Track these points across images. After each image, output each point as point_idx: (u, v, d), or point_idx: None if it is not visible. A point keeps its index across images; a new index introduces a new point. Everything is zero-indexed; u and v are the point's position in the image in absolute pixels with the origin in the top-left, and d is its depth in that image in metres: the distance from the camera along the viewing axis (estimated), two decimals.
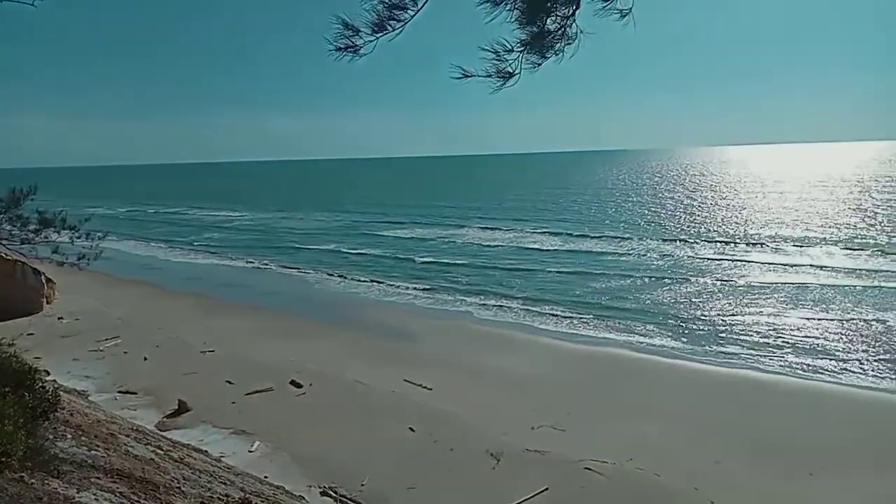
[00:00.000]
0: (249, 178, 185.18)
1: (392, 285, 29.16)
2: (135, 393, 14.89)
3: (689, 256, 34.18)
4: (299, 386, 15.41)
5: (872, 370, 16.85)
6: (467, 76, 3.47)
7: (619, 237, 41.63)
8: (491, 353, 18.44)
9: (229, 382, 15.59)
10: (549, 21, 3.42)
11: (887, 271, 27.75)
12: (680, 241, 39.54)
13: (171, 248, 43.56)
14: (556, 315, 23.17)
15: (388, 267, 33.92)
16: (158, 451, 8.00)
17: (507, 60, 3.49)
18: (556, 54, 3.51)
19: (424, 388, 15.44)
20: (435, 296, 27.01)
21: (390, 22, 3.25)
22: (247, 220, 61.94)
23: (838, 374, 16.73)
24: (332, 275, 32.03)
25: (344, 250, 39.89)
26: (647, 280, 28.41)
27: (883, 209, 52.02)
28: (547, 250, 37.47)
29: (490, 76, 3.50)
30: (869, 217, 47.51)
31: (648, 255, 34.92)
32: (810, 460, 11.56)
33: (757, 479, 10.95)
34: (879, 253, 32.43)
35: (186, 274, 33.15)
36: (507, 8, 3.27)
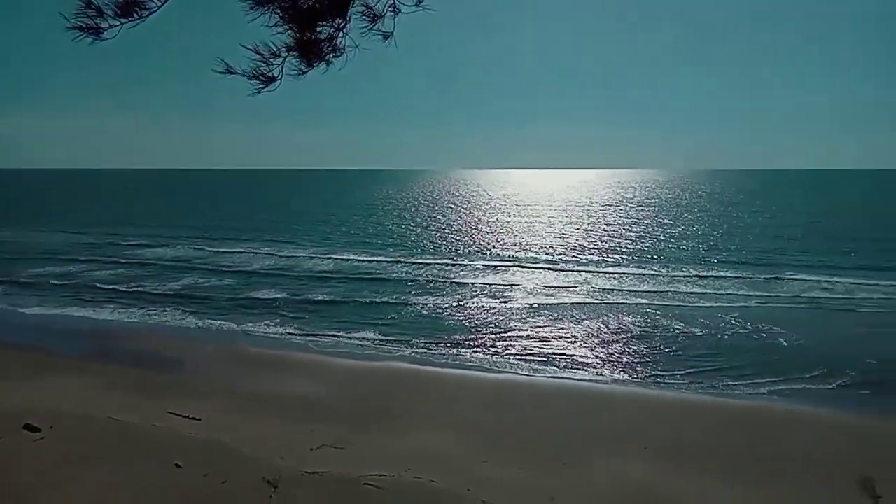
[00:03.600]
0: None
1: (150, 309, 26.41)
2: None
3: (456, 272, 36.14)
4: (36, 430, 13.17)
5: (613, 368, 19.53)
6: (230, 73, 3.25)
7: (388, 254, 42.54)
8: (266, 375, 17.70)
9: None
10: (318, 30, 3.37)
11: (619, 290, 32.24)
12: (448, 257, 41.61)
13: None
14: (333, 332, 23.05)
15: (143, 290, 30.63)
16: None
17: (271, 64, 3.35)
18: (327, 64, 3.47)
19: (193, 419, 14.23)
20: (201, 319, 25.01)
21: (136, 9, 2.90)
22: None
23: (585, 373, 19.05)
24: (76, 299, 28.14)
25: (89, 271, 35.29)
26: (417, 296, 29.50)
27: (610, 230, 60.76)
28: (318, 271, 36.59)
29: (252, 77, 3.32)
30: (601, 238, 55.06)
31: (419, 271, 36.19)
32: (565, 451, 12.95)
33: (520, 474, 11.93)
34: (612, 273, 37.60)
35: None
36: (270, 10, 3.12)
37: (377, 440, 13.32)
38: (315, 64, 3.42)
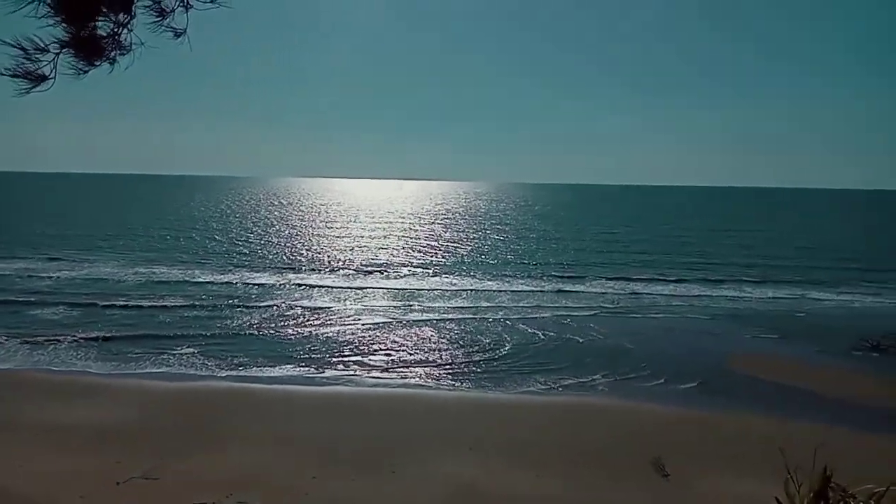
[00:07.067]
0: None
1: None
2: None
3: (273, 286, 34.66)
4: None
5: (439, 375, 20.17)
6: None
7: (197, 267, 39.79)
8: (61, 404, 15.72)
9: None
10: (98, 24, 3.03)
11: (442, 303, 33.30)
12: (262, 270, 39.76)
13: None
14: (140, 352, 21.12)
15: None
16: None
17: (40, 61, 2.95)
18: (111, 63, 3.13)
19: None
20: None
21: None
22: None
23: (412, 381, 19.40)
24: None
25: None
26: (233, 311, 28.03)
27: (432, 242, 62.68)
28: (117, 287, 32.89)
29: (16, 76, 2.90)
30: (425, 249, 56.52)
31: (231, 286, 34.14)
32: (394, 458, 13.05)
33: (350, 486, 11.82)
34: (436, 286, 38.65)
35: None
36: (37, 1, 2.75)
37: (196, 466, 12.43)
38: (97, 62, 3.08)
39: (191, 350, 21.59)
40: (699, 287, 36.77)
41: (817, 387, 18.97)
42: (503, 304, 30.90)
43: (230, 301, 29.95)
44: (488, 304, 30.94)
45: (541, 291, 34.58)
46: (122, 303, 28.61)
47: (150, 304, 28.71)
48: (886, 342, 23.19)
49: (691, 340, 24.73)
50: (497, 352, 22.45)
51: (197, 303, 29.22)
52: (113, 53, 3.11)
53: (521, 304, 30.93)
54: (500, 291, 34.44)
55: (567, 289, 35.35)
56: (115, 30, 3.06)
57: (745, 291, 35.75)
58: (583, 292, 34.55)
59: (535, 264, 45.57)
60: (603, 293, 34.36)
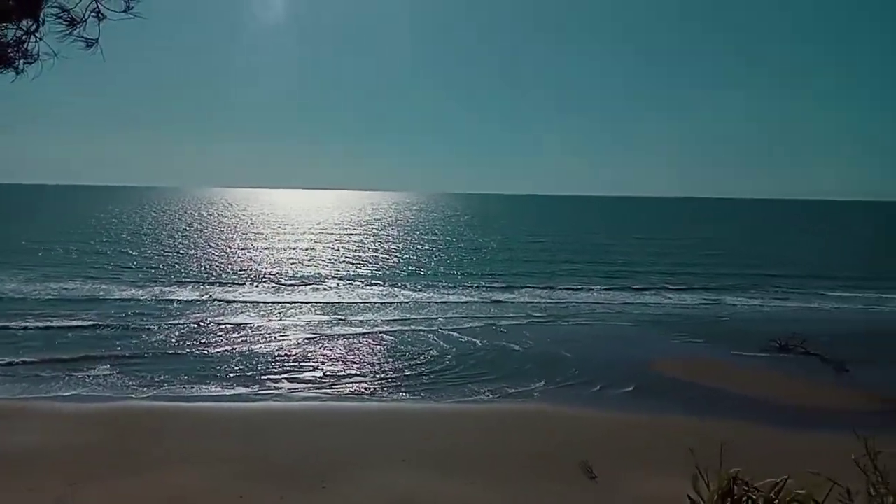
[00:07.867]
0: None
1: None
2: None
3: (196, 300, 33.39)
4: None
5: (370, 388, 19.98)
6: None
7: (112, 281, 38.01)
8: None
9: None
10: (3, 32, 2.85)
11: (371, 315, 33.06)
12: (187, 283, 38.29)
13: None
14: (48, 372, 19.86)
15: None
16: None
17: None
18: (17, 72, 2.95)
19: None
20: None
21: None
22: None
23: (342, 394, 19.16)
24: None
25: None
26: (153, 326, 26.75)
27: (362, 252, 62.23)
28: (26, 300, 31.08)
29: None
30: (355, 259, 56.02)
31: (150, 300, 32.74)
32: (324, 474, 12.80)
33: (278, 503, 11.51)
34: (367, 299, 38.38)
35: None
36: None
37: (113, 490, 11.81)
38: (0, 70, 2.89)
39: (107, 370, 20.43)
40: (623, 294, 38.07)
41: (735, 387, 20.00)
42: (436, 315, 30.91)
43: (147, 318, 28.52)
44: (421, 315, 30.89)
45: (472, 301, 34.93)
46: (28, 322, 26.75)
47: (59, 323, 26.94)
48: (793, 342, 24.74)
49: (621, 347, 25.50)
50: (432, 363, 22.43)
51: (111, 321, 27.61)
52: (19, 62, 2.94)
53: (453, 315, 31.08)
54: (432, 302, 34.52)
55: (498, 298, 35.85)
56: (22, 38, 2.89)
57: (667, 298, 37.33)
58: (513, 302, 35.11)
59: (466, 274, 45.94)
60: (532, 301, 35.05)
